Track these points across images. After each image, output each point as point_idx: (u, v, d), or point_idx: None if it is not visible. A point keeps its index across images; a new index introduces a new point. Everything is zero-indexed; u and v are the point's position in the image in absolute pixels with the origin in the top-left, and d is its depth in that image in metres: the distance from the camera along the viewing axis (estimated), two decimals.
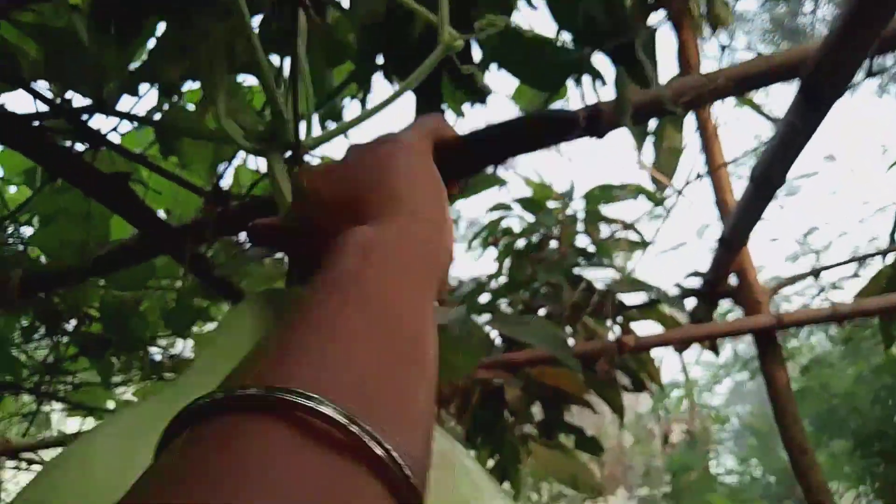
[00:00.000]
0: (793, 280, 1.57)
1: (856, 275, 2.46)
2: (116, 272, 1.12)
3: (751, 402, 4.07)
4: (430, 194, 0.33)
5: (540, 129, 0.40)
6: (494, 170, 1.26)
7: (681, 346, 1.61)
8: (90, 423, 1.79)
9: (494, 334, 1.67)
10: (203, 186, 0.95)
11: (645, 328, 1.79)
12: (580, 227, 1.82)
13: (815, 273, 1.59)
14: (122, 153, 0.84)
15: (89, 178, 0.79)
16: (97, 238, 0.97)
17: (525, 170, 2.11)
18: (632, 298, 1.72)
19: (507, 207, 1.88)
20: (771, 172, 1.05)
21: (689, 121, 1.59)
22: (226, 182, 1.26)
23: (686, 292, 1.62)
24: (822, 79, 0.91)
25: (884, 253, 1.47)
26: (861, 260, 1.55)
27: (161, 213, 1.17)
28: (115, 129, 0.80)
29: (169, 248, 1.01)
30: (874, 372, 2.31)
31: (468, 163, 0.41)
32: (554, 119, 0.40)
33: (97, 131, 0.77)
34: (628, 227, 1.81)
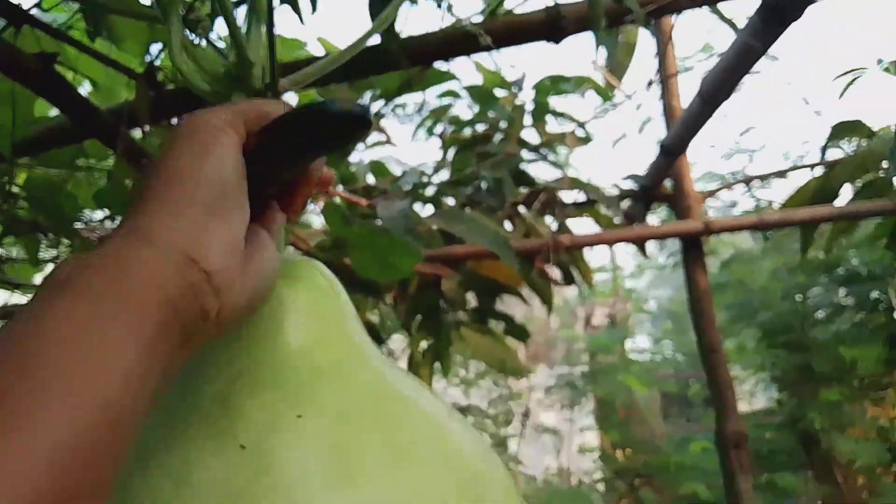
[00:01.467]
0: (724, 187, 1.63)
1: (783, 175, 2.57)
2: (45, 152, 1.06)
3: (671, 287, 4.32)
4: (187, 200, 0.26)
5: (317, 129, 0.30)
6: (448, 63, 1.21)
7: (615, 244, 1.67)
8: (17, 298, 1.75)
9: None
10: (135, 69, 0.88)
11: (581, 224, 1.84)
12: (528, 120, 1.81)
13: (746, 181, 1.65)
14: (48, 31, 0.77)
15: (12, 58, 0.73)
16: (22, 119, 0.91)
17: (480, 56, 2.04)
18: (571, 196, 1.76)
19: (455, 95, 1.83)
20: (719, 88, 1.06)
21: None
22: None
23: (623, 194, 1.66)
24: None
25: (812, 166, 1.53)
26: (789, 171, 1.62)
27: (87, 86, 1.09)
28: (38, 6, 0.73)
29: (99, 133, 0.95)
30: (789, 270, 2.48)
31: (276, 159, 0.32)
32: (334, 116, 0.30)
33: (18, 6, 0.70)
34: (577, 123, 1.81)
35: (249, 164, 0.30)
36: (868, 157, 1.40)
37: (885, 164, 1.45)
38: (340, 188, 1.66)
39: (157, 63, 0.90)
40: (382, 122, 1.79)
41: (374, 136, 1.75)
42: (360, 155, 1.78)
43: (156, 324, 0.23)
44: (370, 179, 1.77)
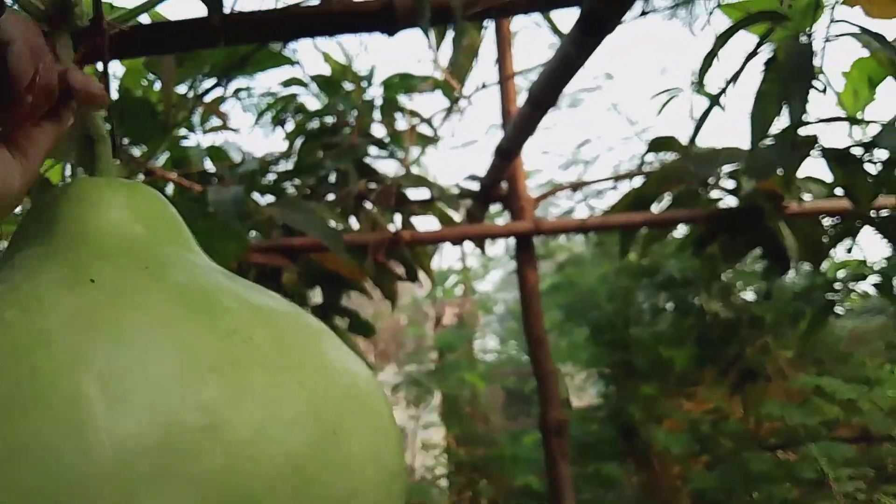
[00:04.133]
0: (554, 191, 1.74)
1: (614, 187, 2.76)
2: None
3: (517, 291, 4.49)
4: None
5: None
6: (283, 46, 1.19)
7: (455, 241, 1.72)
8: None
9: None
10: None
11: (425, 222, 1.88)
12: (376, 114, 1.82)
13: (575, 187, 1.77)
14: None
15: None
16: None
17: (326, 45, 2.01)
18: (416, 193, 1.79)
19: (301, 84, 1.80)
20: (545, 94, 1.12)
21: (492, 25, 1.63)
22: None
23: (464, 193, 1.71)
24: (600, 10, 0.97)
25: (632, 175, 1.67)
26: (615, 180, 1.75)
27: None
28: None
29: None
30: (615, 273, 2.67)
31: None
32: None
33: None
34: (423, 120, 1.84)
35: None
36: (678, 170, 1.55)
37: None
38: (173, 173, 1.57)
39: None
40: (224, 108, 1.72)
41: (211, 121, 1.67)
42: (198, 138, 1.70)
43: None
44: (207, 165, 1.69)
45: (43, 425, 0.24)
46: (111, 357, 0.26)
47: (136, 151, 1.24)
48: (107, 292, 0.30)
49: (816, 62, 1.02)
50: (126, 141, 1.05)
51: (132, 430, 0.24)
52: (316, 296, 1.78)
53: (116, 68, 1.43)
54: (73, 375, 0.25)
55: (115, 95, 1.18)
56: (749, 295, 2.65)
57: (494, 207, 2.01)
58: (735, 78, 1.07)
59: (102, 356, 0.26)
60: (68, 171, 0.91)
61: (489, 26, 1.63)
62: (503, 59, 1.56)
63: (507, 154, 1.46)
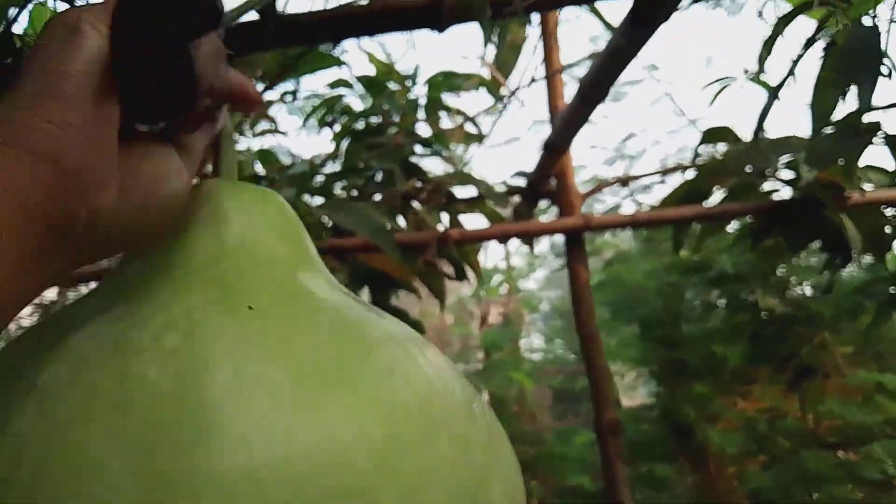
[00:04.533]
0: (602, 186, 1.71)
1: (662, 181, 2.70)
2: None
3: (561, 288, 4.46)
4: (43, 94, 0.25)
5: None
6: (333, 47, 1.20)
7: (502, 239, 1.71)
8: None
9: (325, 217, 1.66)
10: None
11: (472, 220, 1.87)
12: (421, 114, 1.82)
13: (623, 182, 1.73)
14: None
15: None
16: None
17: (370, 45, 2.03)
18: (462, 191, 1.78)
19: (347, 85, 1.81)
20: (596, 86, 1.10)
21: (536, 19, 1.61)
22: None
23: (511, 190, 1.70)
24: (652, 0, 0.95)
25: (685, 168, 1.63)
26: (665, 173, 1.71)
27: None
28: None
29: None
30: (664, 269, 2.62)
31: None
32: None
33: None
34: (468, 118, 1.83)
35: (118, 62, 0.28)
36: (735, 160, 1.51)
37: (748, 169, 1.56)
38: None
39: None
40: (272, 112, 1.74)
41: (261, 124, 1.70)
42: (248, 142, 1.73)
43: (11, 226, 0.23)
44: (258, 168, 1.72)
45: (217, 457, 0.23)
46: (280, 391, 0.26)
47: None
48: (269, 322, 0.29)
49: (882, 45, 0.98)
50: None
51: (303, 468, 0.24)
52: (364, 295, 1.80)
53: None
54: (243, 409, 0.25)
55: None
56: (805, 290, 2.57)
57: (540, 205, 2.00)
58: (795, 65, 1.04)
59: (271, 390, 0.25)
60: None
61: (532, 21, 1.62)
62: (549, 53, 1.54)
63: (556, 149, 1.44)
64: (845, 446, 2.44)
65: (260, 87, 1.19)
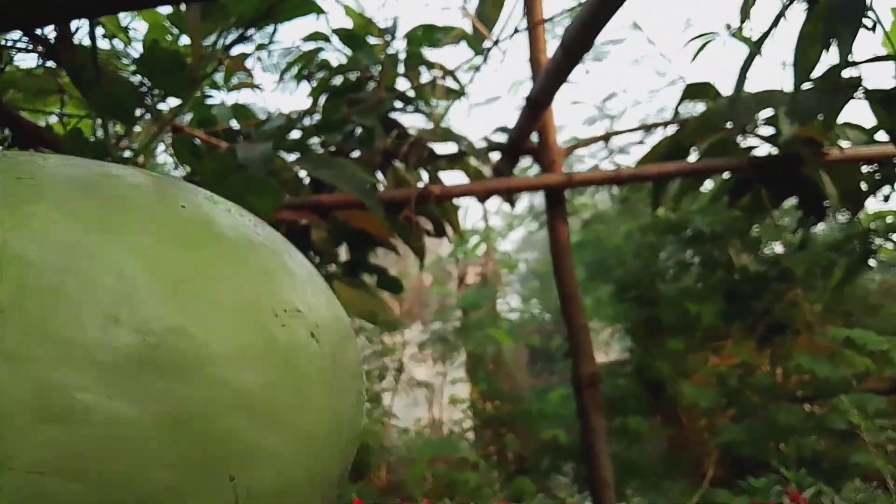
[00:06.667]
0: (585, 143, 1.70)
1: (641, 142, 2.70)
2: None
3: (538, 250, 4.49)
4: None
5: None
6: None
7: (482, 196, 1.70)
8: None
9: (303, 174, 1.63)
10: None
11: (451, 177, 1.86)
12: (401, 68, 1.78)
13: (606, 138, 1.73)
14: None
15: None
16: None
17: None
18: (442, 148, 1.76)
19: (325, 38, 1.76)
20: (580, 39, 1.08)
21: None
22: None
23: (492, 146, 1.68)
24: None
25: (665, 124, 1.62)
26: (646, 129, 1.71)
27: None
28: None
29: None
30: (641, 230, 2.64)
31: None
32: None
33: None
34: (448, 73, 1.80)
35: None
36: (713, 117, 1.51)
37: (729, 125, 1.56)
38: (199, 130, 1.56)
39: None
40: (247, 65, 1.69)
41: (235, 78, 1.65)
42: (223, 96, 1.68)
43: None
44: (233, 124, 1.68)
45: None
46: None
47: (163, 107, 1.23)
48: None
49: None
50: (154, 93, 1.04)
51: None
52: (343, 253, 1.78)
53: (139, 24, 1.41)
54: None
55: (140, 50, 1.17)
56: (778, 248, 2.61)
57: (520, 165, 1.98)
58: (780, 17, 1.03)
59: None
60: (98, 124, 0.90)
61: None
62: (532, 4, 1.51)
63: (539, 104, 1.42)
64: (813, 399, 2.52)
65: (234, 36, 1.15)
